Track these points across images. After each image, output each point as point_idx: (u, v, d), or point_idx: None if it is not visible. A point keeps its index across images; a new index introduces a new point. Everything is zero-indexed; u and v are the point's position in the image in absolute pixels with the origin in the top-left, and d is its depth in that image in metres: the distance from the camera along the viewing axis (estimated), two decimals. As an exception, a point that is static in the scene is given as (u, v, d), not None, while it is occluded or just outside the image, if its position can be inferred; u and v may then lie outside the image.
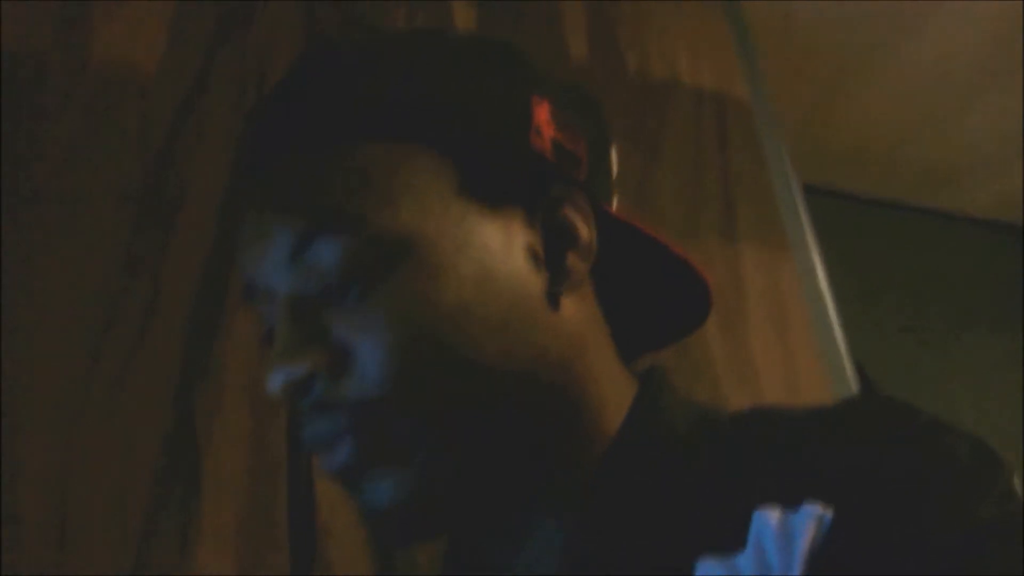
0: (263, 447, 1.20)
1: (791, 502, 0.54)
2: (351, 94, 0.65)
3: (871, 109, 3.05)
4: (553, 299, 0.64)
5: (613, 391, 0.67)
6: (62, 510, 1.08)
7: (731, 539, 0.55)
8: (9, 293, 1.16)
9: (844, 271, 2.25)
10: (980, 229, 3.58)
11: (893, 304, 3.19)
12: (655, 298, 0.75)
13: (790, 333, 1.65)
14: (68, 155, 1.27)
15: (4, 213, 1.20)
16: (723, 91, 1.89)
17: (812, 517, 0.52)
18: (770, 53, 2.18)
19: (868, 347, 2.20)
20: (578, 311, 0.67)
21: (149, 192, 1.28)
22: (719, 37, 1.98)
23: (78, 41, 1.35)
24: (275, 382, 0.60)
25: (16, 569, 1.04)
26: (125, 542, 1.09)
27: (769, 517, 0.54)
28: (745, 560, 0.54)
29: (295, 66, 0.69)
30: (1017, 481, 0.55)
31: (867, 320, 2.99)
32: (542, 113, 0.66)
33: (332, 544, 1.18)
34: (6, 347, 1.13)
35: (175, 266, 1.25)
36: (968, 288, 3.36)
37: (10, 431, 1.10)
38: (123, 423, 1.14)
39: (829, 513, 0.52)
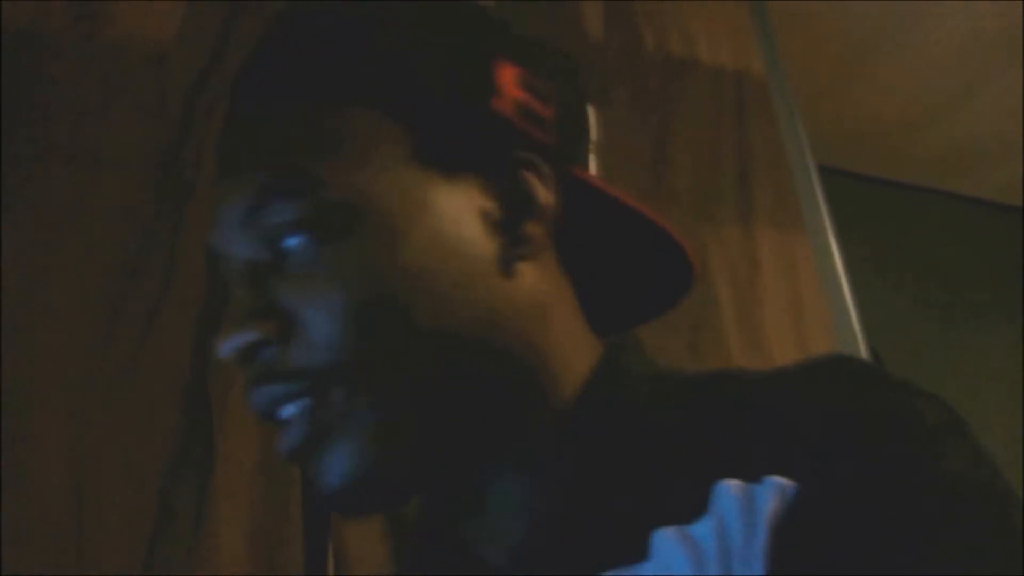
0: (275, 432, 1.20)
1: (754, 468, 0.53)
2: (308, 58, 0.65)
3: (887, 90, 3.04)
4: (508, 265, 0.63)
5: (577, 359, 0.66)
6: (77, 496, 1.09)
7: (691, 506, 0.54)
8: (22, 272, 1.16)
9: (859, 252, 2.24)
10: (996, 212, 3.56)
11: (908, 285, 3.18)
12: (634, 267, 0.74)
13: (805, 313, 1.64)
14: (83, 128, 1.27)
15: (17, 188, 1.20)
16: (741, 70, 1.88)
17: (776, 489, 0.52)
18: (787, 34, 2.17)
19: (882, 328, 2.19)
20: (537, 278, 0.66)
21: (165, 167, 1.28)
22: (737, 16, 1.97)
23: (94, 13, 1.34)
24: (224, 348, 0.61)
25: (32, 555, 1.04)
26: (139, 529, 1.09)
27: (731, 488, 0.53)
28: (704, 530, 0.53)
29: (261, 34, 0.69)
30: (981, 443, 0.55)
31: (882, 301, 2.98)
32: (507, 76, 0.65)
33: (346, 533, 1.18)
34: (19, 329, 1.14)
35: (189, 244, 1.25)
36: (985, 270, 3.34)
37: (24, 417, 1.10)
38: (136, 406, 1.15)
39: (792, 486, 0.52)
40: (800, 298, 1.65)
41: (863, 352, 1.67)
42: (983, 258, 3.39)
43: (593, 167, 0.73)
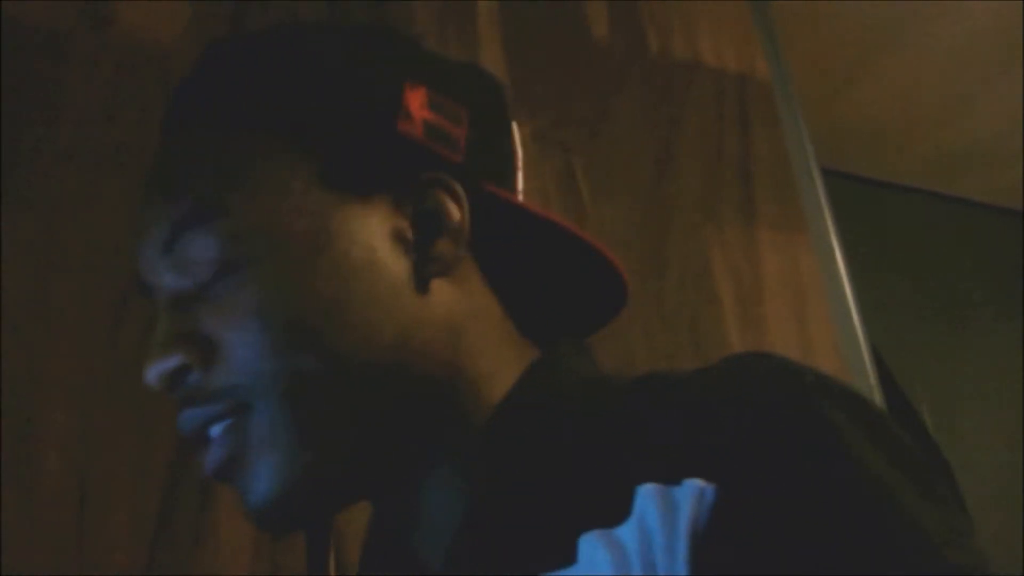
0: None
1: (674, 473, 0.54)
2: (217, 90, 0.67)
3: (889, 93, 3.04)
4: (421, 284, 0.65)
5: (501, 368, 0.67)
6: (80, 495, 1.09)
7: (616, 509, 0.55)
8: (26, 272, 1.17)
9: (861, 254, 2.25)
10: (997, 215, 3.56)
11: (909, 287, 3.18)
12: (564, 280, 0.75)
13: (807, 315, 1.64)
14: (89, 128, 1.27)
15: (22, 188, 1.20)
16: (744, 72, 1.89)
17: (694, 491, 0.52)
18: (790, 37, 2.17)
19: (884, 329, 2.20)
20: (452, 295, 0.67)
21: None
22: (741, 18, 1.97)
23: (100, 13, 1.35)
24: (149, 375, 0.62)
25: (34, 554, 1.05)
26: (142, 529, 1.10)
27: (652, 491, 0.53)
28: (629, 533, 0.53)
29: (196, 60, 0.71)
30: (901, 431, 0.55)
31: (883, 303, 2.98)
32: (415, 98, 0.66)
33: (348, 533, 1.18)
34: (23, 329, 1.14)
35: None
36: (986, 273, 3.35)
37: (28, 417, 1.10)
38: (139, 406, 1.15)
39: (711, 488, 0.52)
40: (803, 300, 1.66)
41: (865, 353, 1.67)
42: (984, 261, 3.39)
43: (520, 184, 0.74)
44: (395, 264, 0.64)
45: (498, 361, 0.68)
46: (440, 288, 0.66)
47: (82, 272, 1.19)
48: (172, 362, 0.62)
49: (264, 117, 0.65)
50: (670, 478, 0.53)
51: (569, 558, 0.55)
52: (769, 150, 1.81)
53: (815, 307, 1.66)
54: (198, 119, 0.66)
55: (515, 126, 0.75)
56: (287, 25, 0.73)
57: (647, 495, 0.54)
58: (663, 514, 0.52)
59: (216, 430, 0.63)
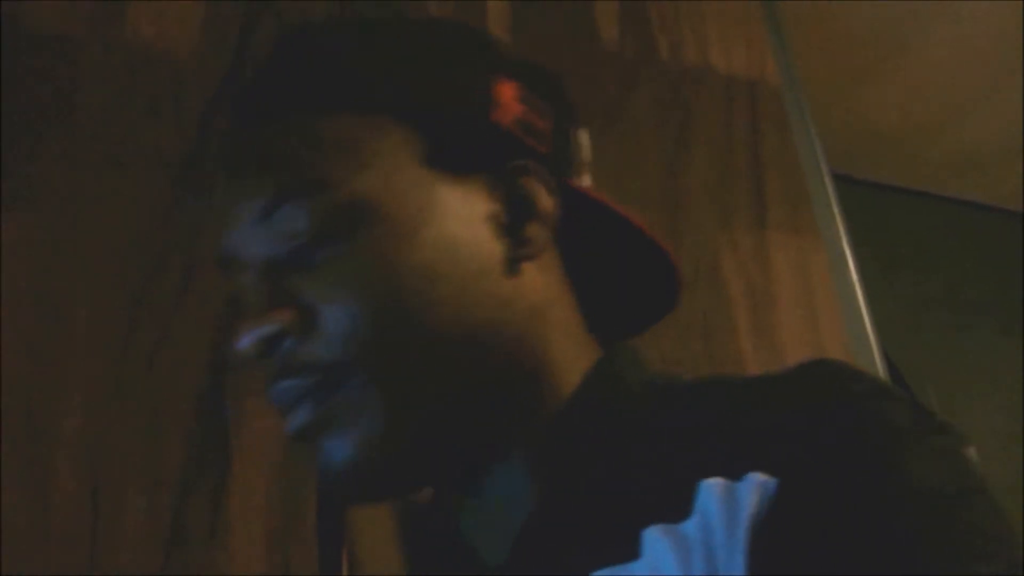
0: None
1: (736, 470, 0.55)
2: (318, 68, 0.68)
3: (899, 96, 3.04)
4: (513, 265, 0.67)
5: (574, 360, 0.69)
6: (94, 495, 1.09)
7: (679, 504, 0.56)
8: (40, 274, 1.17)
9: (872, 257, 2.24)
10: (1009, 218, 3.56)
11: (921, 290, 3.18)
12: (627, 277, 0.77)
13: (819, 319, 1.64)
14: (104, 131, 1.27)
15: (35, 189, 1.20)
16: (754, 76, 1.89)
17: (755, 486, 0.53)
18: (800, 41, 2.17)
19: (895, 333, 2.20)
20: (539, 279, 0.69)
21: (184, 170, 1.29)
22: (751, 22, 1.97)
23: (114, 16, 1.35)
24: (244, 340, 0.63)
25: (48, 558, 1.05)
26: (155, 532, 1.10)
27: (714, 486, 0.55)
28: (691, 528, 0.55)
29: (273, 48, 0.72)
30: (970, 450, 0.56)
31: (895, 306, 2.98)
32: (507, 91, 0.69)
33: (360, 535, 1.19)
34: (37, 332, 1.14)
35: (210, 241, 1.26)
36: (997, 276, 3.34)
37: (42, 419, 1.11)
38: (153, 409, 1.16)
39: (773, 482, 0.53)
40: (814, 304, 1.66)
41: (877, 356, 1.67)
42: (995, 264, 3.39)
43: (588, 182, 0.77)
44: (489, 244, 0.66)
45: (569, 352, 0.69)
46: (528, 273, 0.68)
47: (94, 276, 1.19)
48: (269, 328, 0.62)
49: (372, 97, 0.66)
50: (733, 473, 0.55)
51: (634, 552, 0.56)
52: (779, 154, 1.81)
53: (826, 310, 1.66)
54: (300, 97, 0.67)
55: (585, 131, 0.78)
56: (376, 18, 0.74)
57: (709, 490, 0.55)
58: (724, 508, 0.54)
59: (307, 402, 0.63)
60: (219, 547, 1.11)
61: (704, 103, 1.80)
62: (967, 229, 3.45)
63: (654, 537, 0.56)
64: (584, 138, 0.77)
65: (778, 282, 1.64)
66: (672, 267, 0.75)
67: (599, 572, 0.57)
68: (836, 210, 1.83)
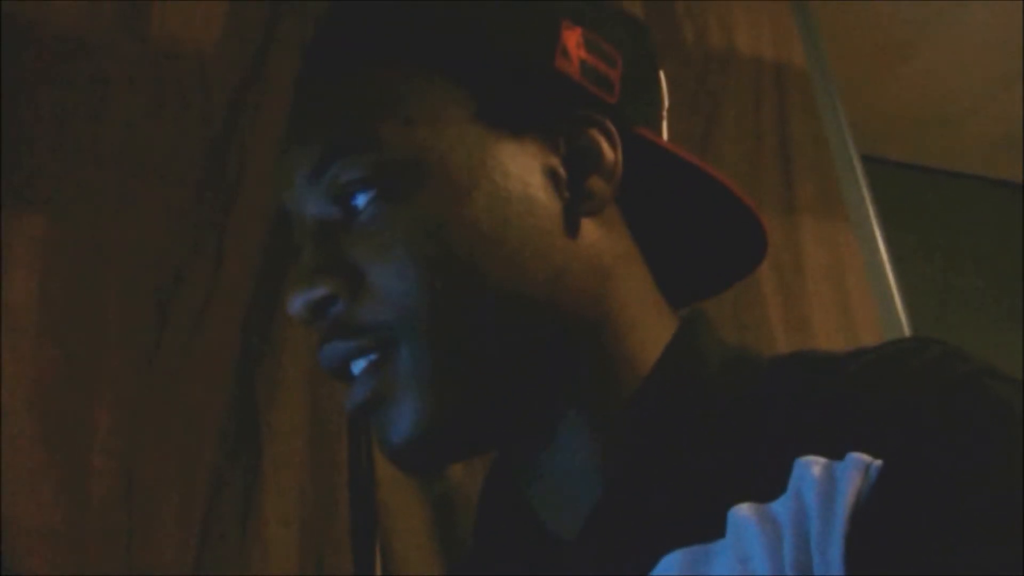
0: (322, 425, 1.21)
1: (835, 449, 0.52)
2: (372, 23, 0.66)
3: (930, 77, 3.00)
4: (573, 222, 0.64)
5: (647, 323, 0.66)
6: (128, 483, 1.10)
7: (770, 482, 0.53)
8: (73, 271, 1.18)
9: (904, 241, 2.22)
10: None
11: (953, 274, 3.15)
12: (703, 234, 0.73)
13: (850, 304, 1.63)
14: (130, 130, 1.28)
15: (65, 189, 1.21)
16: (781, 61, 1.87)
17: (857, 466, 0.50)
18: (828, 23, 2.15)
19: (928, 317, 2.18)
20: (603, 237, 0.66)
21: (211, 166, 1.30)
22: (777, 5, 1.96)
23: (140, 15, 1.36)
24: (294, 304, 0.62)
25: (83, 549, 1.06)
26: (189, 524, 1.11)
27: (811, 465, 0.52)
28: (782, 509, 0.52)
29: (328, 8, 0.70)
30: None
31: (927, 290, 2.95)
32: (572, 37, 0.65)
33: (392, 531, 1.19)
34: (71, 328, 1.15)
35: (237, 240, 1.26)
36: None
37: (77, 413, 1.12)
38: (185, 404, 1.16)
39: (877, 463, 0.50)
40: (845, 287, 1.64)
41: (910, 341, 1.65)
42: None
43: (665, 133, 0.73)
44: (548, 200, 0.63)
45: (643, 314, 0.66)
46: (590, 229, 0.65)
47: (126, 273, 1.20)
48: (318, 292, 0.61)
49: (422, 51, 0.64)
50: (832, 452, 0.52)
51: (717, 532, 0.54)
52: (808, 137, 1.80)
53: (858, 294, 1.65)
54: (354, 53, 0.66)
55: (663, 73, 0.74)
56: None
57: (806, 468, 0.52)
58: (822, 488, 0.50)
59: (359, 366, 0.62)
60: (253, 542, 1.11)
61: (731, 88, 1.78)
62: (1001, 209, 3.41)
63: (741, 516, 0.53)
64: (660, 86, 0.73)
65: (809, 266, 1.63)
66: (756, 224, 0.71)
67: (677, 551, 0.55)
68: (866, 192, 1.82)
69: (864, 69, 2.92)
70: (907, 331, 1.66)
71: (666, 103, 0.74)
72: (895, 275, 1.74)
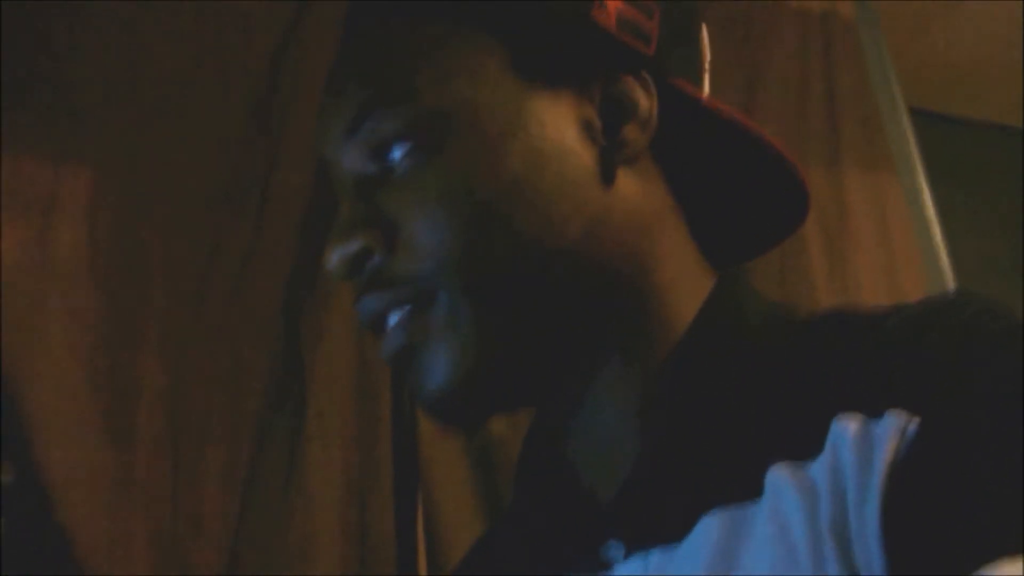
0: (367, 378, 1.22)
1: (871, 407, 0.51)
2: None
3: (981, 28, 2.95)
4: (608, 172, 0.63)
5: (684, 278, 0.66)
6: (174, 433, 1.12)
7: (808, 441, 0.53)
8: (118, 230, 1.19)
9: (951, 195, 2.19)
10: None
11: (1001, 229, 3.11)
12: (744, 191, 0.72)
13: (896, 258, 1.61)
14: (176, 84, 1.28)
15: (117, 138, 1.22)
16: (828, 10, 1.84)
17: (895, 425, 0.49)
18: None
19: (973, 272, 2.15)
20: (639, 189, 0.65)
21: (253, 120, 1.30)
22: (824, -46, 1.92)
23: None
24: (331, 259, 0.62)
25: (130, 490, 1.07)
26: (235, 467, 1.12)
27: (848, 424, 0.51)
28: (819, 468, 0.51)
29: None
30: None
31: (973, 245, 2.91)
32: None
33: (434, 478, 1.19)
34: (117, 281, 1.16)
35: (281, 191, 1.27)
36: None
37: (124, 366, 1.13)
38: (229, 355, 1.17)
39: (915, 423, 0.49)
40: (891, 242, 1.63)
41: (955, 296, 1.63)
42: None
43: (707, 87, 0.71)
44: (583, 151, 0.63)
45: (681, 269, 0.66)
46: (627, 181, 0.64)
47: (170, 227, 1.21)
48: (354, 246, 0.62)
49: (458, 5, 0.65)
50: (870, 410, 0.51)
51: (754, 491, 0.54)
52: (855, 89, 1.77)
53: (903, 247, 1.63)
54: (389, 10, 0.66)
55: (704, 28, 0.73)
56: None
57: (843, 427, 0.51)
58: (859, 447, 0.50)
59: (394, 318, 0.62)
60: (296, 493, 1.12)
61: (776, 38, 1.76)
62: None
63: (778, 476, 0.52)
64: (701, 39, 0.72)
65: (854, 219, 1.62)
66: (798, 181, 0.70)
67: (714, 512, 0.55)
68: (913, 147, 1.79)
69: (913, 18, 2.87)
70: (951, 283, 1.65)
71: (707, 57, 0.72)
72: (941, 228, 1.72)
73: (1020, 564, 0.42)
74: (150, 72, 1.28)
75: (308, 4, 1.39)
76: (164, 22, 1.31)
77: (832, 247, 1.58)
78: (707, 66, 0.72)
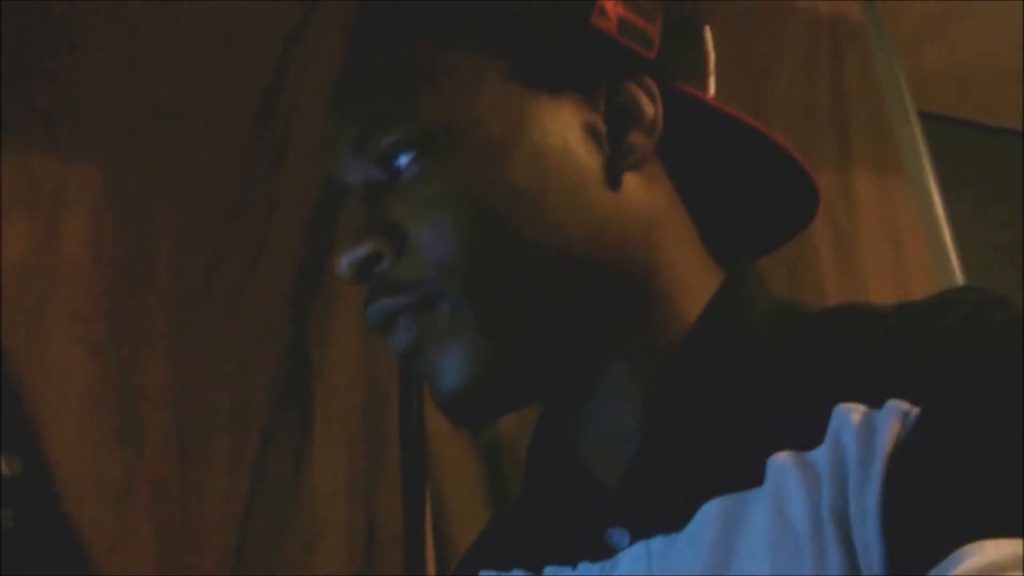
0: (374, 374, 1.22)
1: (874, 398, 0.52)
2: None
3: (990, 31, 2.94)
4: (614, 177, 0.64)
5: (692, 278, 0.67)
6: (180, 430, 1.12)
7: (809, 430, 0.54)
8: (123, 231, 1.19)
9: (961, 199, 2.19)
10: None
11: (1010, 233, 3.11)
12: (751, 190, 0.73)
13: (905, 261, 1.61)
14: (181, 83, 1.28)
15: (121, 146, 1.22)
16: (837, 13, 1.84)
17: (896, 414, 0.50)
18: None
19: (983, 276, 2.14)
20: (644, 192, 0.66)
21: (260, 119, 1.30)
22: (833, -42, 1.92)
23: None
24: (341, 264, 0.64)
25: (136, 488, 1.07)
26: (241, 464, 1.12)
27: (850, 412, 0.52)
28: (821, 455, 0.52)
29: None
30: None
31: (983, 249, 2.91)
32: None
33: (442, 473, 1.19)
34: (122, 281, 1.16)
35: (288, 190, 1.27)
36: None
37: (130, 363, 1.13)
38: (236, 355, 1.17)
39: (915, 411, 0.50)
40: (900, 243, 1.63)
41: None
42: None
43: (712, 88, 0.73)
44: (588, 157, 0.64)
45: (687, 269, 0.67)
46: (632, 183, 0.65)
47: (177, 223, 1.21)
48: (362, 250, 0.63)
49: (459, 18, 0.66)
50: (872, 400, 0.52)
51: (756, 478, 0.55)
52: (863, 94, 1.77)
53: (912, 250, 1.63)
54: (389, 29, 0.67)
55: (708, 30, 0.74)
56: None
57: (844, 416, 0.53)
58: (860, 436, 0.51)
59: (402, 321, 0.64)
60: (303, 489, 1.12)
61: (785, 41, 1.76)
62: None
63: (780, 464, 0.54)
64: (704, 41, 0.73)
65: (863, 222, 1.62)
66: (807, 180, 0.71)
67: (716, 500, 0.56)
68: (923, 150, 1.79)
69: (922, 21, 2.87)
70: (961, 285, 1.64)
71: (712, 58, 0.73)
72: (951, 232, 1.71)
73: (1005, 546, 0.42)
74: (155, 72, 1.28)
75: (315, 3, 1.39)
76: (169, 21, 1.31)
77: (842, 250, 1.57)
78: (712, 68, 0.73)
